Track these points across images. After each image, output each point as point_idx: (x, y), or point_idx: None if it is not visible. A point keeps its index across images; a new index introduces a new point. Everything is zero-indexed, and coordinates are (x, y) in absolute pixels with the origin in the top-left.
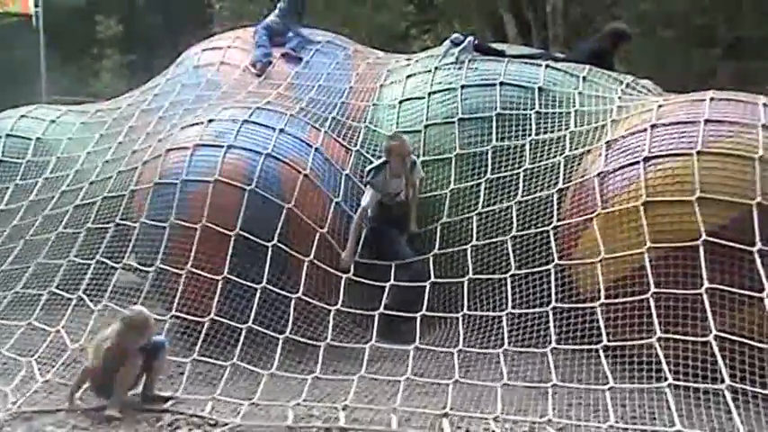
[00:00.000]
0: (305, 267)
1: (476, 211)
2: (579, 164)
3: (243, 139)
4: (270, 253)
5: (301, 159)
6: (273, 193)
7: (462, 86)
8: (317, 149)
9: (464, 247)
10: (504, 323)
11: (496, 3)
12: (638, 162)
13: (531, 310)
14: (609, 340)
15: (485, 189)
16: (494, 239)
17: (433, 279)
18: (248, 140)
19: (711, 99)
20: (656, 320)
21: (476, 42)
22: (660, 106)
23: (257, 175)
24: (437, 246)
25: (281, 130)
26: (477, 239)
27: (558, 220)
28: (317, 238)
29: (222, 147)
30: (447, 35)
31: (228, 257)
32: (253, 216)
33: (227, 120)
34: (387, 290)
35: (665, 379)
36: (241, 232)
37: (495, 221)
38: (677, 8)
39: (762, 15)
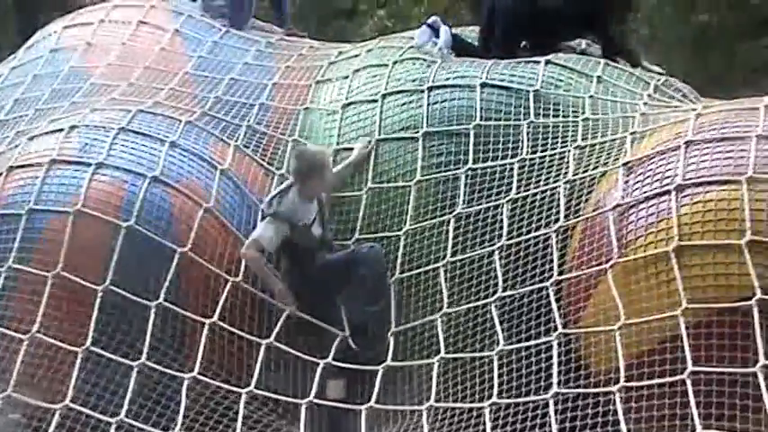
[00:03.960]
0: (205, 333)
1: (443, 262)
2: (589, 193)
3: (118, 154)
4: (153, 315)
5: (202, 185)
6: (161, 231)
7: (430, 88)
8: (223, 172)
9: (430, 318)
10: (487, 417)
11: None
12: (668, 191)
13: (525, 399)
14: None
15: (456, 229)
16: (471, 303)
17: (389, 362)
18: (126, 157)
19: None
20: (694, 410)
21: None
22: (698, 116)
23: (138, 205)
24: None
25: (173, 144)
26: (450, 304)
27: (561, 272)
28: (224, 293)
29: (89, 165)
30: (409, 12)
31: (93, 321)
32: (130, 263)
33: (96, 126)
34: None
35: None
36: (112, 287)
37: (473, 276)
38: None
39: None
